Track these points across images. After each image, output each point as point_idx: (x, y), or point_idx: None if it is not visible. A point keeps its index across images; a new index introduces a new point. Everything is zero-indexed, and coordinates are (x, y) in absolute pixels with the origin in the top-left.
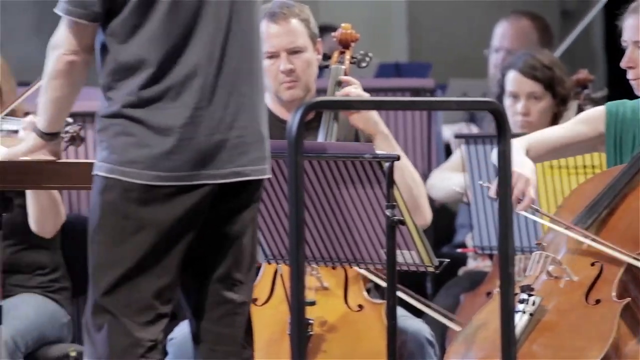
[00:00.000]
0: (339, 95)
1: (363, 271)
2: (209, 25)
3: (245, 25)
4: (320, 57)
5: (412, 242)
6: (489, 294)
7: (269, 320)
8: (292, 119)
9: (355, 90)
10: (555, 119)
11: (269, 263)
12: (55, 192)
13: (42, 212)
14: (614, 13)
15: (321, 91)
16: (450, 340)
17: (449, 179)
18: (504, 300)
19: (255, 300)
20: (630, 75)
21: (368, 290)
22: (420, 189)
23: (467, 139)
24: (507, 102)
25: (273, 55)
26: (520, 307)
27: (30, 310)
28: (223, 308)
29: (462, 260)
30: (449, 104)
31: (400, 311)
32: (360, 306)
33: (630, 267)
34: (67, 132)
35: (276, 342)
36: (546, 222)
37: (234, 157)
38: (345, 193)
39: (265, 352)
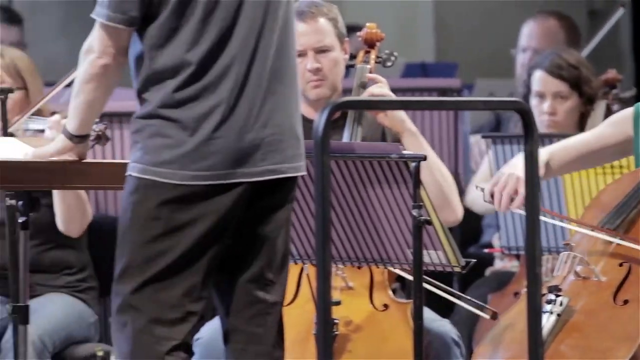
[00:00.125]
0: (364, 94)
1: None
2: (244, 25)
3: (280, 25)
4: (347, 56)
5: (439, 242)
6: (516, 294)
7: (295, 320)
8: (319, 119)
9: (379, 90)
10: (582, 119)
11: (295, 263)
12: (82, 192)
13: (68, 211)
14: None
15: (348, 91)
16: (476, 340)
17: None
18: (531, 301)
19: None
20: None
21: (394, 290)
22: (450, 185)
23: (494, 138)
24: (534, 101)
25: (300, 54)
26: (547, 307)
27: (57, 309)
28: (255, 308)
29: (489, 260)
30: (476, 103)
31: (427, 311)
32: (386, 306)
33: None
34: (92, 130)
35: (302, 342)
36: (573, 227)
37: (268, 155)
38: (371, 193)
39: (290, 352)
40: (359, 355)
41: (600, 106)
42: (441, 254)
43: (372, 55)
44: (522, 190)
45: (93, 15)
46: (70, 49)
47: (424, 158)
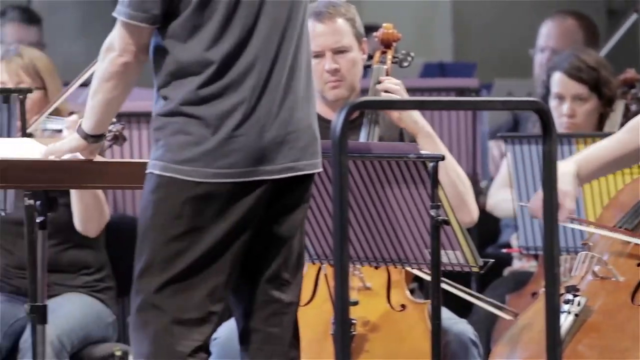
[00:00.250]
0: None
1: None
2: (266, 24)
3: (299, 25)
4: (365, 57)
5: (457, 242)
6: (534, 294)
7: (312, 320)
8: (337, 119)
9: (394, 87)
10: (601, 120)
11: (313, 263)
12: (100, 192)
13: (86, 211)
14: None
15: (366, 91)
16: (494, 340)
17: (510, 201)
18: (550, 301)
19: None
20: None
21: (411, 290)
22: (466, 186)
23: (512, 139)
24: (553, 103)
25: (318, 55)
26: (565, 307)
27: (76, 309)
28: (271, 308)
29: (507, 260)
30: (494, 104)
31: (444, 312)
32: (403, 306)
33: None
34: (110, 130)
35: (319, 342)
36: (590, 229)
37: (288, 153)
38: (389, 193)
39: (308, 352)
40: (377, 356)
41: (618, 106)
42: (459, 254)
43: (389, 56)
44: (567, 205)
45: (114, 14)
46: (88, 49)
47: (442, 158)
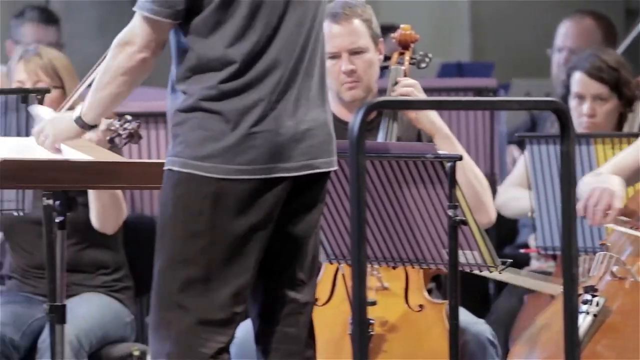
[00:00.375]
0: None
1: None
2: (290, 24)
3: (319, 26)
4: (382, 57)
5: (475, 242)
6: (552, 295)
7: (330, 320)
8: (354, 119)
9: (409, 89)
10: (620, 120)
11: (331, 263)
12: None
13: (103, 209)
14: None
15: (383, 91)
16: (512, 340)
17: (521, 200)
18: (568, 301)
19: (316, 300)
20: None
21: (429, 290)
22: (483, 187)
23: (530, 139)
24: (573, 103)
25: (335, 56)
26: (584, 308)
27: (94, 309)
28: (287, 308)
29: (525, 260)
30: (512, 103)
31: (462, 312)
32: (421, 306)
33: None
34: (125, 129)
35: (337, 342)
36: (636, 233)
37: (305, 150)
38: (407, 193)
39: (326, 352)
40: (395, 356)
41: (638, 106)
42: (477, 254)
43: (407, 57)
44: (616, 205)
45: (135, 9)
46: (107, 49)
47: (460, 158)
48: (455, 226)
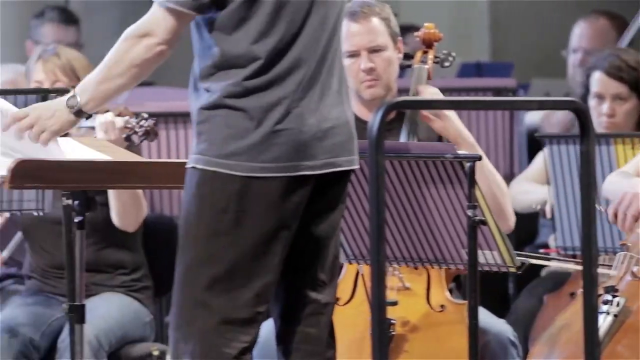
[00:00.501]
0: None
1: None
2: (315, 21)
3: (340, 26)
4: (401, 56)
5: (494, 242)
6: (572, 294)
7: (351, 320)
8: (373, 119)
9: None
10: None
11: (350, 263)
12: None
13: (123, 207)
14: None
15: (403, 91)
16: (532, 340)
17: (530, 193)
18: (588, 301)
19: (337, 300)
20: None
21: (450, 291)
22: (504, 194)
23: (550, 139)
24: (592, 102)
25: (354, 54)
26: (604, 308)
27: (113, 309)
28: (308, 308)
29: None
30: (531, 103)
31: (483, 312)
32: (443, 306)
33: None
34: (141, 126)
35: (358, 342)
36: None
37: (327, 148)
38: (426, 193)
39: (347, 352)
40: (416, 356)
41: None
42: (496, 254)
43: (430, 56)
44: None
45: (156, 1)
46: None
47: (479, 158)
48: (475, 226)
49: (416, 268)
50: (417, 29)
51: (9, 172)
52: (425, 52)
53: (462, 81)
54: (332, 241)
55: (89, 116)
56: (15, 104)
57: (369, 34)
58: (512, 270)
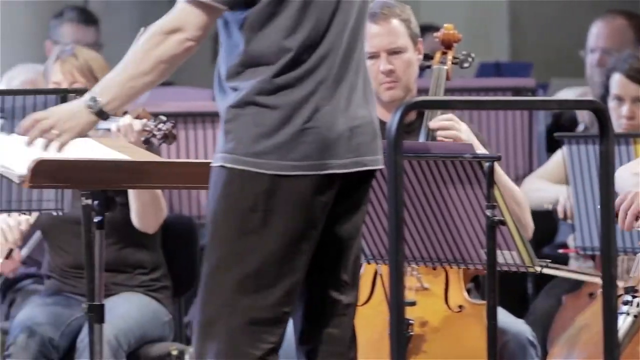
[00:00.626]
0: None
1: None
2: (340, 18)
3: (364, 25)
4: (421, 57)
5: (513, 242)
6: (591, 295)
7: (370, 321)
8: (392, 119)
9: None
10: None
11: (369, 263)
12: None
13: (143, 208)
14: None
15: (422, 91)
16: (551, 341)
17: (542, 191)
18: (607, 302)
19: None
20: None
21: (468, 291)
22: (521, 207)
23: (569, 139)
24: (612, 104)
25: (373, 56)
26: (624, 308)
27: (132, 309)
28: (331, 309)
29: (563, 261)
30: (550, 103)
31: (502, 312)
32: (461, 307)
33: None
34: (160, 129)
35: (377, 342)
36: None
37: (353, 147)
38: (445, 193)
39: (366, 352)
40: (434, 356)
41: None
42: (515, 255)
43: (449, 56)
44: None
45: None
46: None
47: (498, 158)
48: (494, 226)
49: (434, 268)
50: (436, 29)
51: (28, 171)
52: (444, 53)
53: (481, 81)
54: (355, 242)
55: (106, 117)
56: (35, 104)
57: (388, 35)
58: (532, 270)
